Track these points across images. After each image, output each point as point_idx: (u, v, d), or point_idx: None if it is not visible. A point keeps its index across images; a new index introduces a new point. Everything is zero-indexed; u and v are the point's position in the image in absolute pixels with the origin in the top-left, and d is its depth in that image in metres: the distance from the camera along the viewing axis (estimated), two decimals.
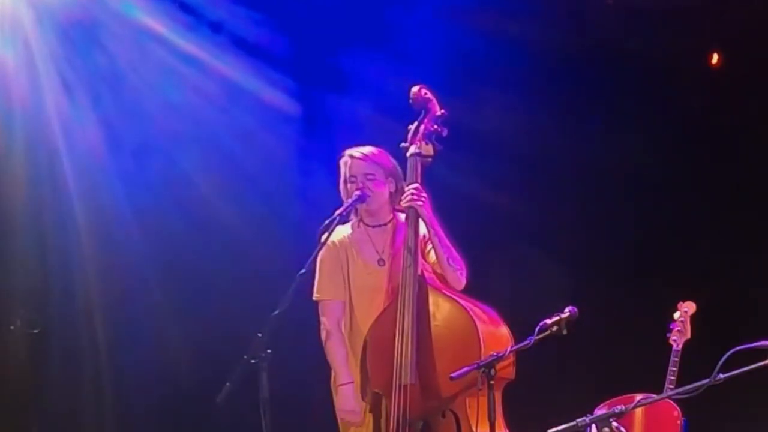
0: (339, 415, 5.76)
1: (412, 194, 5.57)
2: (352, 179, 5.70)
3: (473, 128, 7.30)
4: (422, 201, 5.57)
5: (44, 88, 7.29)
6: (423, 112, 5.69)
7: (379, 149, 5.75)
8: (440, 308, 5.53)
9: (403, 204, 5.62)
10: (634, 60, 7.73)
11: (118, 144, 7.44)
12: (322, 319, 5.76)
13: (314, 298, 5.74)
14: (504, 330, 5.52)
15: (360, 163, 5.70)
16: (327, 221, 5.60)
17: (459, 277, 5.63)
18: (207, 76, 7.48)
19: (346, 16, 7.49)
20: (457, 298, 5.54)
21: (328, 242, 5.63)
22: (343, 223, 5.67)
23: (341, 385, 5.68)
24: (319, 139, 7.46)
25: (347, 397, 5.67)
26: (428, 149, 5.66)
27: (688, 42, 7.72)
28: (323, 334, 5.76)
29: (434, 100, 5.70)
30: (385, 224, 5.79)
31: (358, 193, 5.63)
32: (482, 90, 7.54)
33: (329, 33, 7.51)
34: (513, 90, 7.59)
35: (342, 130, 7.15)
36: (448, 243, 5.61)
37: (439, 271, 5.68)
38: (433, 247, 5.62)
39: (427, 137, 5.66)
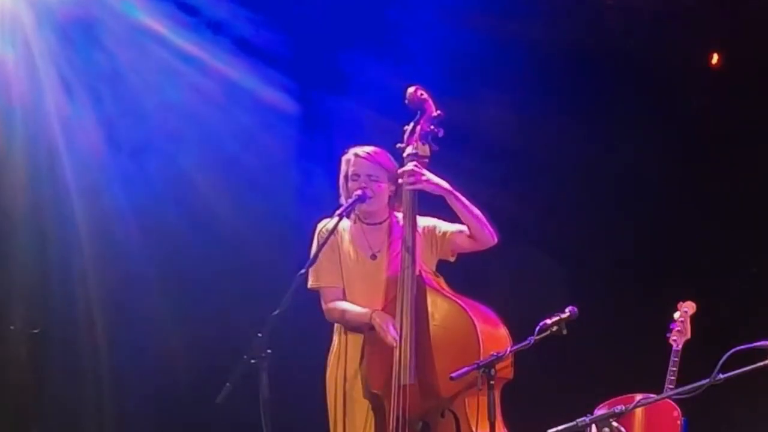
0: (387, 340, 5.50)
1: (409, 175, 5.57)
2: (355, 178, 5.69)
3: (472, 128, 7.31)
4: (421, 181, 5.54)
5: (44, 87, 7.29)
6: (419, 112, 5.67)
7: (383, 150, 5.75)
8: (439, 308, 5.52)
9: (405, 188, 5.59)
10: (634, 60, 7.73)
11: (118, 144, 7.44)
12: (323, 306, 5.71)
13: (310, 286, 5.64)
14: (502, 330, 5.51)
15: (364, 162, 5.69)
16: (327, 220, 5.63)
17: (488, 233, 5.60)
18: (207, 76, 7.48)
19: (346, 16, 7.49)
20: (455, 298, 5.53)
21: (323, 230, 5.64)
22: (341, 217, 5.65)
23: (373, 312, 5.56)
24: (319, 139, 7.46)
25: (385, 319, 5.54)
26: (424, 150, 5.65)
27: (688, 42, 7.72)
28: (330, 315, 5.71)
29: (430, 101, 5.67)
30: (381, 223, 5.78)
31: (359, 192, 5.62)
32: (482, 90, 7.54)
33: (329, 33, 7.51)
34: (512, 90, 7.59)
35: (342, 130, 7.15)
36: (468, 202, 5.58)
37: (454, 253, 5.68)
38: (456, 210, 5.57)
39: (423, 138, 5.65)
